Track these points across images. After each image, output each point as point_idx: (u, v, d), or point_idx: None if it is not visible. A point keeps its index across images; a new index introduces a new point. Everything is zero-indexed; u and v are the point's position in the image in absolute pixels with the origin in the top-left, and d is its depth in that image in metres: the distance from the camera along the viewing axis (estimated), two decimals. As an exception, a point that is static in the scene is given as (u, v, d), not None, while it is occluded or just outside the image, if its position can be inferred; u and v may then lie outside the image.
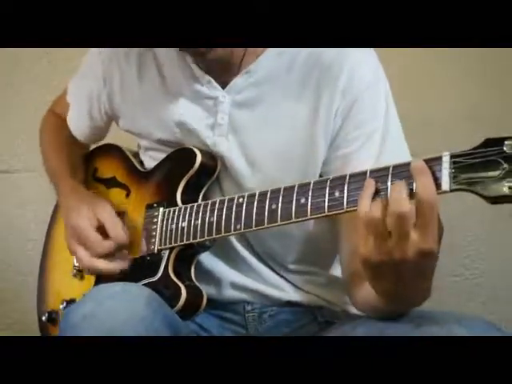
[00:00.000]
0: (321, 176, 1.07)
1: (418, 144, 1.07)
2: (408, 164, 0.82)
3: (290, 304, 1.16)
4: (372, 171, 0.86)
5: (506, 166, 0.75)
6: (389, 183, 0.83)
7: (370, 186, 0.84)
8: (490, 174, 0.75)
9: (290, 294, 1.16)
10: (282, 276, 1.16)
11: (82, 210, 1.15)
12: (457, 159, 0.78)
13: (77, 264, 1.21)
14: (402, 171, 0.83)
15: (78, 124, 1.31)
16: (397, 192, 0.80)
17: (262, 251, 1.14)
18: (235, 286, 1.15)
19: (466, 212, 1.55)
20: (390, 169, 0.84)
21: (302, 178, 1.03)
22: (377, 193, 0.84)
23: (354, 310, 1.18)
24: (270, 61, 1.08)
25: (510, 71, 1.54)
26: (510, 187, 0.74)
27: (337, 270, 1.17)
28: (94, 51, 1.24)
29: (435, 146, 0.85)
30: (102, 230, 1.13)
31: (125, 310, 0.90)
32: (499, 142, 0.76)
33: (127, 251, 1.14)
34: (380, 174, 0.85)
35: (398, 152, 1.06)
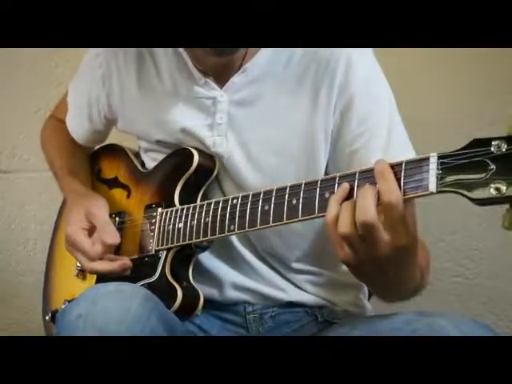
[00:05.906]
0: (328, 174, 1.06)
1: (415, 144, 1.07)
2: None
3: (291, 304, 1.16)
4: (341, 176, 0.87)
5: (492, 167, 0.73)
6: (355, 188, 0.84)
7: (341, 190, 0.85)
8: (477, 175, 0.74)
9: (291, 294, 1.16)
10: (283, 276, 1.16)
11: (74, 216, 1.15)
12: (444, 160, 0.77)
13: (79, 264, 1.22)
14: (369, 176, 0.83)
15: (77, 127, 1.31)
16: (363, 199, 0.80)
17: (265, 249, 1.14)
18: (236, 286, 1.15)
19: (467, 212, 1.55)
20: (357, 174, 0.85)
21: (304, 174, 1.03)
22: (348, 198, 0.84)
23: (354, 310, 1.19)
24: (267, 58, 1.09)
25: (509, 71, 1.54)
26: (496, 189, 0.73)
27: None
28: (91, 54, 1.23)
29: (433, 145, 0.84)
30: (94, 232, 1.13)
31: (119, 309, 0.91)
32: (486, 142, 0.74)
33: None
34: (349, 179, 0.85)
35: (404, 142, 1.06)
